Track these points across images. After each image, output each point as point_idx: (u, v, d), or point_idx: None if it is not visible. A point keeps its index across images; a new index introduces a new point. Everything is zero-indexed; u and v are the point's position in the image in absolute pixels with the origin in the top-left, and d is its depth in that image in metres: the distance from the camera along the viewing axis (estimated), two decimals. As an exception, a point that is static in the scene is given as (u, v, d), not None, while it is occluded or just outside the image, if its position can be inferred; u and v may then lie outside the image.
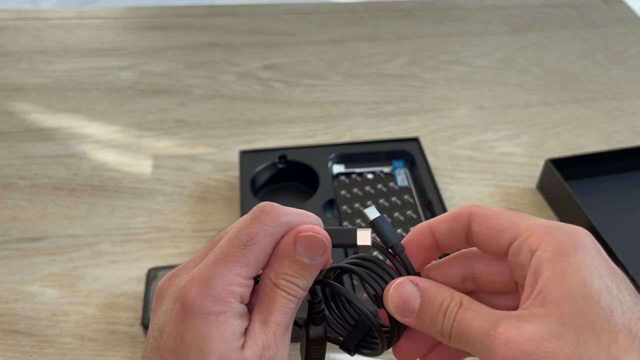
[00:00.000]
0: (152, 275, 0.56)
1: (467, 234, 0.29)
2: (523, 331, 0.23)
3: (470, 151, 0.76)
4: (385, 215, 0.31)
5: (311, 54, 0.95)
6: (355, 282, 0.55)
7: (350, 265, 0.30)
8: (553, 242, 0.25)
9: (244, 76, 0.89)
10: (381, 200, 0.64)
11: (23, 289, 0.57)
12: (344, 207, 0.64)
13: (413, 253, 0.30)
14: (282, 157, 0.68)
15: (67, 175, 0.71)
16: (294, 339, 0.29)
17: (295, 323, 0.30)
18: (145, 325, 0.52)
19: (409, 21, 1.05)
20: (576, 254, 0.25)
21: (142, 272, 0.58)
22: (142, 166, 0.72)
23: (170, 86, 0.87)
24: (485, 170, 0.73)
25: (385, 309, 0.29)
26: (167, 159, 0.73)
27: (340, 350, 0.32)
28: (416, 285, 0.28)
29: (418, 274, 0.30)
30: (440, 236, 0.30)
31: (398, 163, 0.69)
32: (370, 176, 0.67)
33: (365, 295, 0.53)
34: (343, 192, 0.65)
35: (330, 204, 0.64)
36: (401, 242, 0.30)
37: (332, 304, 0.32)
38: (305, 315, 0.31)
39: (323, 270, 0.30)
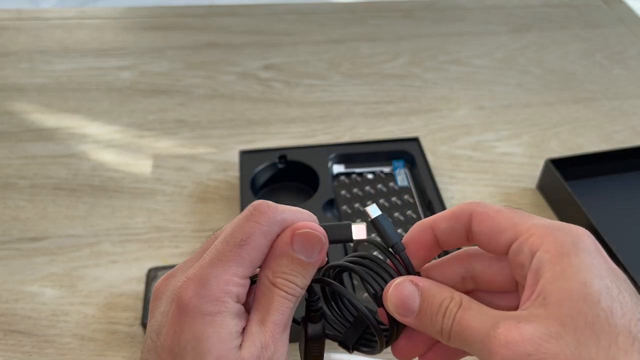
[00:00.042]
0: (152, 275, 0.56)
1: (468, 232, 0.29)
2: (523, 332, 0.23)
3: (470, 151, 0.76)
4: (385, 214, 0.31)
5: (311, 54, 0.95)
6: (356, 282, 0.55)
7: (350, 264, 0.30)
8: (554, 242, 0.25)
9: (244, 76, 0.89)
10: (381, 200, 0.64)
11: (23, 289, 0.57)
12: (344, 207, 0.64)
13: (413, 251, 0.30)
14: (282, 157, 0.68)
15: (67, 175, 0.71)
16: (293, 339, 0.29)
17: (294, 320, 0.30)
18: (145, 325, 0.52)
19: (409, 21, 1.05)
20: (577, 255, 0.25)
21: (142, 272, 0.58)
22: (142, 166, 0.72)
23: (170, 86, 0.87)
24: (485, 170, 0.73)
25: (384, 308, 0.29)
26: (167, 159, 0.73)
27: (341, 350, 0.32)
28: (416, 285, 0.28)
29: (418, 274, 0.30)
30: (440, 234, 0.30)
31: (398, 163, 0.69)
32: (370, 176, 0.67)
33: (366, 295, 0.53)
34: (343, 192, 0.65)
35: (330, 204, 0.64)
36: (402, 240, 0.30)
37: (332, 302, 0.32)
38: (303, 313, 0.31)
39: (322, 268, 0.30)
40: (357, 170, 0.68)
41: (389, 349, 0.31)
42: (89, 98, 0.84)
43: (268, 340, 0.27)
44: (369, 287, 0.29)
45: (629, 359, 0.22)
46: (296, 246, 0.28)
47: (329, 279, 0.31)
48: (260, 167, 0.67)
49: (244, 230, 0.27)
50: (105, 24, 1.02)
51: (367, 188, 0.66)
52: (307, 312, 0.31)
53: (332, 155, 0.68)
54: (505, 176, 0.72)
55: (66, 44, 0.95)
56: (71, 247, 0.62)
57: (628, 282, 0.25)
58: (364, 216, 0.60)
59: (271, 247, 0.28)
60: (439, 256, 0.31)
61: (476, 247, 0.30)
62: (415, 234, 0.30)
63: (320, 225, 0.29)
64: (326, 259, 0.30)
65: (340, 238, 0.30)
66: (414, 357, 0.31)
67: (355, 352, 0.32)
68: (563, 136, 0.79)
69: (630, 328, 0.23)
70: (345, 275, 0.34)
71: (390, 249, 0.30)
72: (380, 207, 0.64)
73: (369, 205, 0.30)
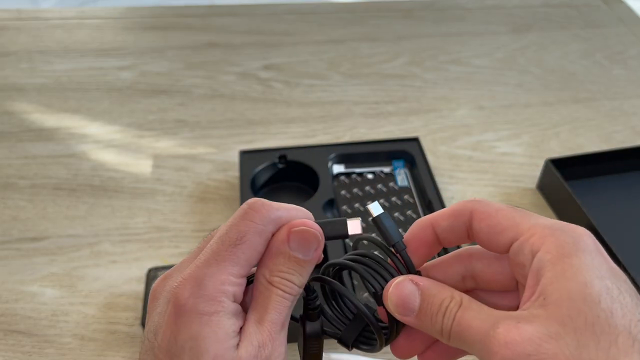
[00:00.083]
0: (152, 275, 0.56)
1: (468, 230, 0.29)
2: (522, 332, 0.23)
3: (470, 151, 0.76)
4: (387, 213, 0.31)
5: (311, 54, 0.95)
6: (356, 282, 0.55)
7: (350, 262, 0.30)
8: (554, 243, 0.25)
9: (244, 76, 0.89)
10: (381, 200, 0.64)
11: (23, 289, 0.57)
12: (344, 207, 0.64)
13: (414, 248, 0.30)
14: (282, 157, 0.68)
15: (67, 175, 0.71)
16: (291, 339, 0.29)
17: (292, 317, 0.30)
18: (145, 325, 0.52)
19: (409, 21, 1.05)
20: (577, 256, 0.25)
21: (142, 272, 0.58)
22: (142, 166, 0.72)
23: (170, 86, 0.87)
24: (485, 170, 0.73)
25: (384, 307, 0.29)
26: (167, 159, 0.73)
27: (341, 350, 0.32)
28: (416, 284, 0.28)
29: (418, 273, 0.30)
30: (441, 231, 0.29)
31: (398, 163, 0.69)
32: (370, 176, 0.67)
33: (366, 294, 0.53)
34: (343, 192, 0.65)
35: (330, 204, 0.64)
36: (402, 239, 0.30)
37: (332, 300, 0.32)
38: (301, 311, 0.31)
39: (322, 265, 0.30)
40: (357, 170, 0.68)
41: (388, 347, 0.31)
42: (89, 98, 0.84)
43: (265, 340, 0.27)
44: (369, 285, 0.29)
45: (629, 360, 0.22)
46: (293, 244, 0.28)
47: (328, 278, 0.31)
48: (260, 167, 0.67)
49: (238, 229, 0.27)
50: (105, 24, 1.02)
51: (367, 188, 0.66)
52: (305, 310, 0.31)
53: (332, 155, 0.68)
54: (505, 176, 0.72)
55: (66, 44, 0.95)
56: (71, 247, 0.62)
57: (628, 282, 0.25)
58: (364, 215, 0.60)
59: (267, 246, 0.28)
60: (439, 254, 0.31)
61: (477, 246, 0.30)
62: (416, 232, 0.30)
63: (316, 222, 0.29)
64: (322, 256, 0.29)
65: (336, 234, 0.29)
66: (413, 356, 0.31)
67: (354, 349, 0.32)
68: (563, 136, 0.79)
69: (630, 329, 0.23)
70: (345, 274, 0.34)
71: (391, 248, 0.30)
72: (381, 207, 0.65)
73: (370, 203, 0.30)
